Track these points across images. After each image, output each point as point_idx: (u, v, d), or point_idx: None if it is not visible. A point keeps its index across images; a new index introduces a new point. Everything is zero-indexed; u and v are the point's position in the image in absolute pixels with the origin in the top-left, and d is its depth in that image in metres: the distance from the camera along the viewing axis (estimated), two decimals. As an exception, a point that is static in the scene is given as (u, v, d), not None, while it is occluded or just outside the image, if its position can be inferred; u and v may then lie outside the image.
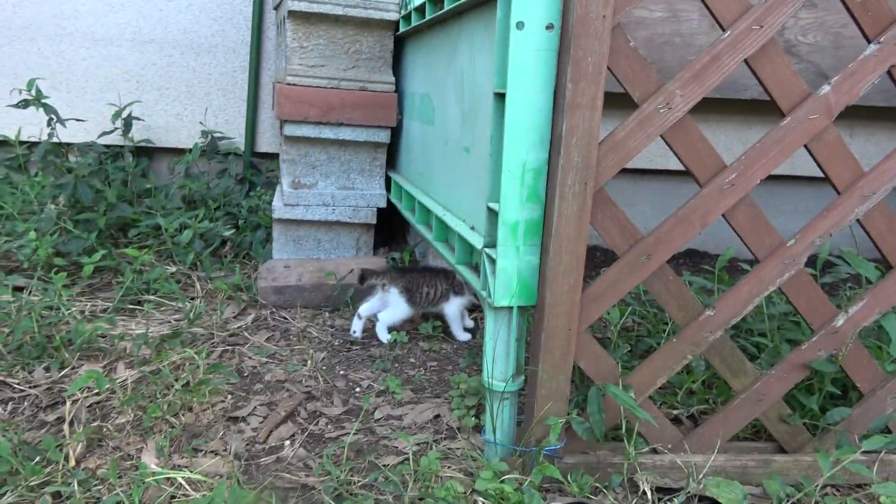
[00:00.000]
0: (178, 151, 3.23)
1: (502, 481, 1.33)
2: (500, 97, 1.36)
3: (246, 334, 2.13)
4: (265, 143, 3.30)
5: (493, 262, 1.40)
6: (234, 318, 2.24)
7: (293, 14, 2.40)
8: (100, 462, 1.41)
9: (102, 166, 2.96)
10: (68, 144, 2.97)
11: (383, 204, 2.64)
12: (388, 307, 2.13)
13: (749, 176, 1.35)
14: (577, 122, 1.26)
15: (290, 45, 2.45)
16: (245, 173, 3.15)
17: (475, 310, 2.36)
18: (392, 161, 2.73)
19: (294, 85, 2.44)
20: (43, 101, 2.51)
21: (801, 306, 1.44)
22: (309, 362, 1.97)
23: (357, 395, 1.82)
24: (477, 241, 1.51)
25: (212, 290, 2.42)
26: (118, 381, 1.70)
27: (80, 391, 1.66)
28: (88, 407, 1.62)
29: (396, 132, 2.63)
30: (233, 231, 2.69)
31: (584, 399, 1.44)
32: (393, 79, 2.55)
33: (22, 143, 3.03)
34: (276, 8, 3.00)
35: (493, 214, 1.42)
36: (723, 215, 1.37)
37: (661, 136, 1.33)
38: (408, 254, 2.71)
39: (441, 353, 2.11)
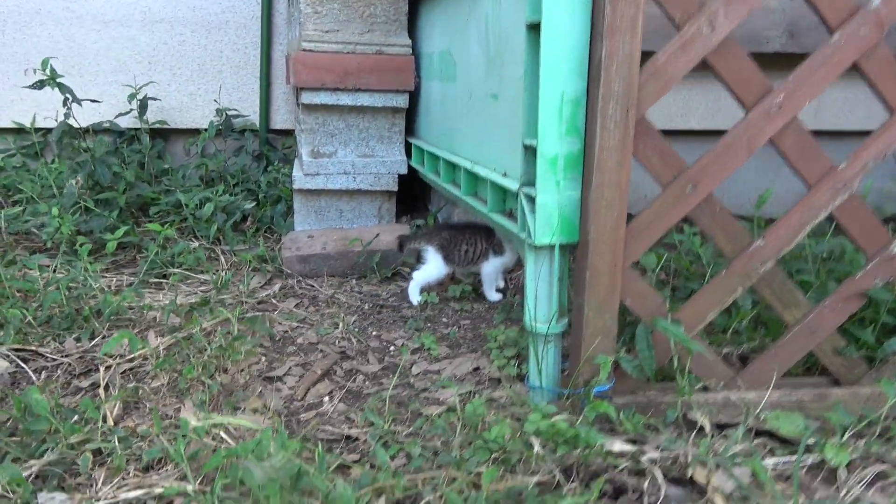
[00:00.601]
0: (193, 132, 3.20)
1: (553, 422, 1.28)
2: (534, 28, 1.31)
3: (274, 301, 2.10)
4: (280, 120, 3.26)
5: (531, 200, 1.35)
6: (261, 287, 2.21)
7: (306, -23, 2.35)
8: (138, 422, 1.38)
9: (119, 150, 2.94)
10: (84, 130, 2.94)
11: (404, 170, 2.59)
12: (424, 266, 2.08)
13: (797, 97, 1.30)
14: (617, 46, 1.21)
15: (304, 11, 2.41)
16: (262, 149, 3.12)
17: (514, 271, 2.31)
18: (411, 128, 2.68)
19: (309, 51, 2.40)
20: (58, 80, 2.47)
21: (855, 232, 1.38)
22: (340, 325, 1.94)
23: (392, 353, 1.78)
24: (511, 185, 1.47)
25: (237, 262, 2.39)
26: (151, 348, 1.68)
27: (112, 358, 1.63)
28: (122, 373, 1.60)
29: (414, 97, 2.58)
30: (253, 204, 2.66)
31: (632, 338, 1.40)
32: (409, 41, 2.50)
33: (37, 129, 3.02)
34: (286, -20, 2.96)
35: (529, 152, 1.37)
36: (770, 140, 1.32)
37: (704, 58, 1.27)
38: (431, 218, 2.67)
39: (473, 311, 2.07)
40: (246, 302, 2.04)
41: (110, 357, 1.64)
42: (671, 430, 1.33)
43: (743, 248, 1.36)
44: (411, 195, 2.92)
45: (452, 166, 2.06)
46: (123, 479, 1.18)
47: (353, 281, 2.33)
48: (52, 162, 2.85)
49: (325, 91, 2.44)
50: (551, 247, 1.35)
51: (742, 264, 1.36)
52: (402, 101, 2.52)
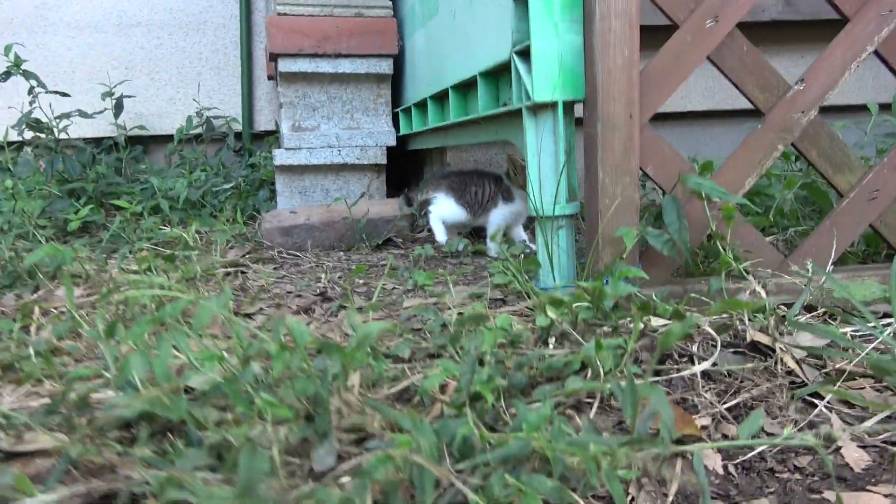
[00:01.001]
0: (173, 139, 3.05)
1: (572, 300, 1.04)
2: None
3: (251, 265, 1.88)
4: (263, 121, 3.12)
5: (526, 56, 1.16)
6: (239, 259, 1.99)
7: (278, -61, 2.25)
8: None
9: (95, 158, 2.77)
10: (57, 140, 2.78)
11: (392, 142, 2.41)
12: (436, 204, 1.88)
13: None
14: None
15: (278, -23, 2.30)
16: (245, 143, 2.96)
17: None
18: (397, 100, 2.52)
19: (284, 14, 2.27)
20: (22, 67, 2.34)
21: (910, 70, 1.18)
22: (323, 277, 1.71)
23: (381, 296, 1.55)
24: (503, 55, 1.28)
25: (212, 242, 2.17)
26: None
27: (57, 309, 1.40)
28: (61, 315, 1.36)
29: (399, 65, 2.44)
30: (231, 185, 2.47)
31: (657, 217, 1.17)
32: (389, 3, 2.37)
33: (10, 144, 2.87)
34: (264, -28, 2.88)
35: (521, 1, 1.19)
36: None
37: None
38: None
39: (473, 265, 1.84)
40: (219, 262, 1.82)
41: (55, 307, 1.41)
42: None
43: (780, 96, 1.15)
44: (404, 174, 2.74)
45: (440, 104, 1.89)
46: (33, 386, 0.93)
47: (342, 253, 2.11)
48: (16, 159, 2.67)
49: (302, 57, 2.29)
50: (553, 105, 1.14)
51: (781, 114, 1.15)
52: (385, 66, 2.37)
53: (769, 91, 1.16)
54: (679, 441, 0.72)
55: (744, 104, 3.23)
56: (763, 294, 1.02)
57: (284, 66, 2.29)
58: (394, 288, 1.60)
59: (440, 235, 1.89)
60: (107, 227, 2.17)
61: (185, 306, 0.81)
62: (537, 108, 1.15)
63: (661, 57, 1.12)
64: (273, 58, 2.33)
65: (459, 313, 1.11)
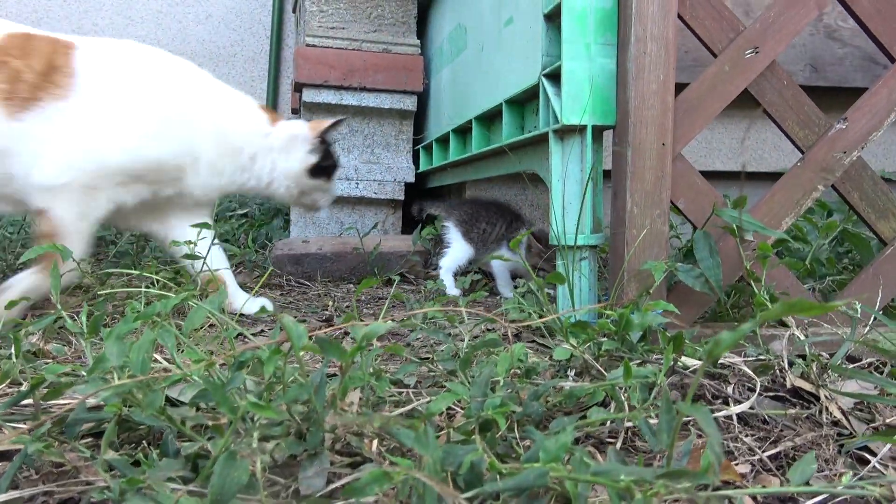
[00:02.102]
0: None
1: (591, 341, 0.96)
2: None
3: (257, 290, 1.82)
4: (284, 154, 3.11)
5: (555, 79, 1.12)
6: (247, 283, 1.94)
7: (312, -27, 2.28)
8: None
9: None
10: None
11: (411, 178, 2.38)
12: (447, 249, 1.81)
13: (869, -52, 1.09)
14: None
15: (310, 10, 2.32)
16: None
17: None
18: (418, 138, 2.51)
19: (313, 46, 2.28)
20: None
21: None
22: (331, 304, 1.64)
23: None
24: (530, 80, 1.24)
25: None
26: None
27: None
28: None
29: (423, 103, 2.43)
30: (245, 212, 2.43)
31: (687, 254, 1.10)
32: (418, 42, 2.38)
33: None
34: (295, 10, 2.93)
35: (552, 22, 1.15)
36: (842, -1, 1.10)
37: None
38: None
39: (486, 303, 1.77)
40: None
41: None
42: (749, 357, 1.00)
43: (821, 133, 1.10)
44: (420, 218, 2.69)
45: (463, 138, 1.85)
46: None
47: (351, 285, 2.05)
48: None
49: (327, 88, 2.29)
50: (581, 129, 1.09)
51: (821, 153, 1.09)
52: (410, 102, 2.36)
53: (809, 128, 1.10)
54: (717, 488, 0.63)
55: (769, 167, 3.16)
56: (803, 338, 0.93)
57: (308, 95, 2.28)
58: (402, 319, 1.53)
59: (451, 288, 1.82)
60: (115, 244, 2.14)
61: (178, 305, 0.75)
62: (565, 132, 1.11)
63: (698, 85, 1.07)
64: (298, 88, 2.33)
65: (472, 339, 1.03)
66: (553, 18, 1.14)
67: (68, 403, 0.68)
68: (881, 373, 0.98)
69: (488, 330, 1.23)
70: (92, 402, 0.71)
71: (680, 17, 1.06)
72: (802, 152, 1.11)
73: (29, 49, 1.22)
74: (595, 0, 1.07)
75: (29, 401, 0.70)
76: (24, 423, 0.67)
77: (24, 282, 1.20)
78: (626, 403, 0.73)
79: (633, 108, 1.03)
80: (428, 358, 1.10)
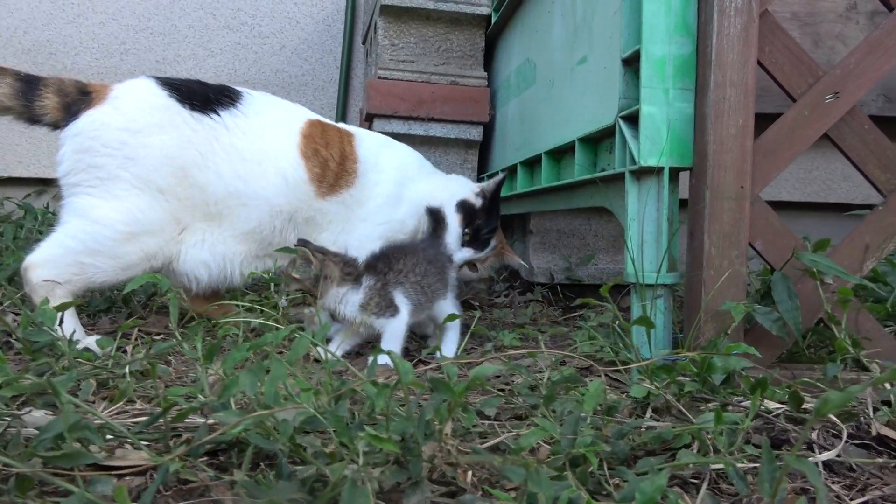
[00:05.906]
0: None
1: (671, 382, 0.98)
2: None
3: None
4: (349, 179, 3.22)
5: (633, 121, 1.15)
6: (316, 306, 2.01)
7: (385, 9, 2.38)
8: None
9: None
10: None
11: (476, 206, 2.43)
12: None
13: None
14: (732, -67, 1.06)
15: (381, 44, 2.42)
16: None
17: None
18: (484, 167, 2.56)
19: (384, 78, 2.37)
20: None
21: None
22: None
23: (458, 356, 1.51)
24: (607, 119, 1.27)
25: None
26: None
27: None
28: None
29: (488, 133, 2.49)
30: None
31: (764, 295, 1.11)
32: (485, 74, 2.45)
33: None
34: (365, 42, 3.05)
35: (630, 67, 1.19)
36: (926, 45, 1.10)
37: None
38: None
39: (554, 337, 1.79)
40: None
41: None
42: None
43: (904, 177, 1.10)
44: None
45: (530, 170, 1.90)
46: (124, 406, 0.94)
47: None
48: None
49: (397, 119, 2.37)
50: (658, 171, 1.12)
51: (905, 197, 1.09)
52: (475, 133, 2.42)
53: (891, 172, 1.10)
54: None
55: (837, 198, 3.08)
56: (888, 386, 0.93)
57: (379, 125, 2.37)
58: (471, 348, 1.57)
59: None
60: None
61: (287, 336, 0.81)
62: (641, 174, 1.14)
63: (776, 129, 1.09)
64: (369, 118, 2.42)
65: (549, 377, 1.06)
66: (631, 63, 1.18)
67: (191, 424, 0.75)
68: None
69: (562, 364, 1.26)
70: (208, 420, 0.78)
71: (759, 62, 1.09)
72: (884, 196, 1.10)
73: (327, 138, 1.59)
74: (674, 47, 1.10)
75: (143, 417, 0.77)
76: (153, 443, 0.74)
77: None
78: (711, 446, 0.75)
79: (711, 151, 1.06)
80: (503, 389, 1.13)
